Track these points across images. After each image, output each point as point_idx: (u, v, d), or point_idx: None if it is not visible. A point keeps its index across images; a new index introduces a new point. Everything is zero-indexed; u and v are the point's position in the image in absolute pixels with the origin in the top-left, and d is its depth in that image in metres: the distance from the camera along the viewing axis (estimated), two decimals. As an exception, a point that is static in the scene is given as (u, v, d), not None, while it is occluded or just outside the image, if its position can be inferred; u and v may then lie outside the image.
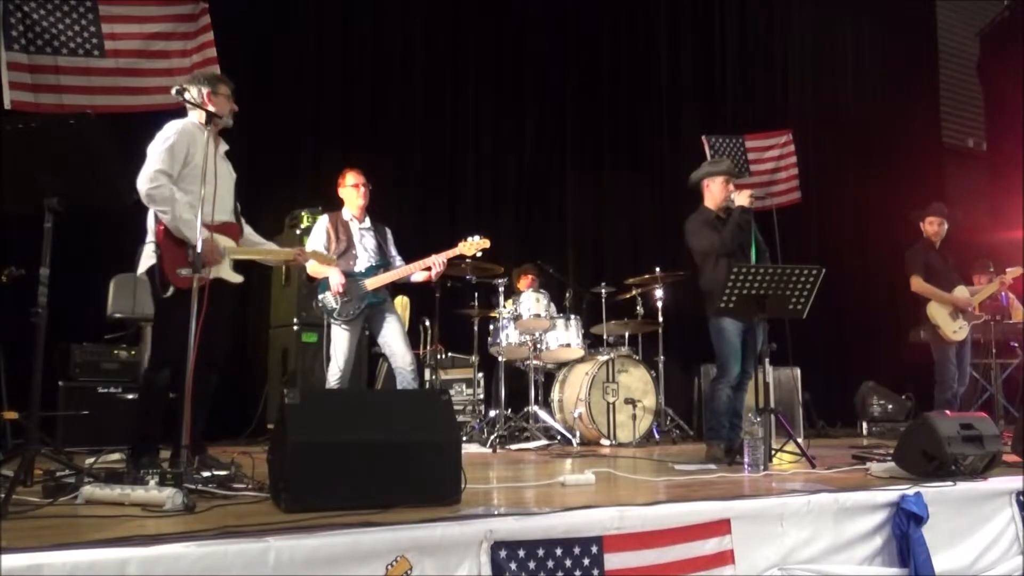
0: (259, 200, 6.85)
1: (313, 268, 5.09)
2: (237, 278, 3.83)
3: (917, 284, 6.01)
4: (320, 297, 5.00)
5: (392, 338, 4.98)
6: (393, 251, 5.28)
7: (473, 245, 5.16)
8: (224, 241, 3.75)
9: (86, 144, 2.92)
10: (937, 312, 5.96)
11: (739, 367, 4.64)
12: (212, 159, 3.47)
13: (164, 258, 3.58)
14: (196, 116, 3.76)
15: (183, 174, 3.63)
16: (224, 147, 3.91)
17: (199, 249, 3.39)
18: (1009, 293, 7.11)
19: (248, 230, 4.04)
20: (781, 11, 10.20)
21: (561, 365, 6.65)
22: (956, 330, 5.94)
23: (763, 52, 10.03)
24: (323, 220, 5.18)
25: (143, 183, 3.54)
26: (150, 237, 3.69)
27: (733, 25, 9.84)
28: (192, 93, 3.73)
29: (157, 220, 3.64)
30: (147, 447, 3.56)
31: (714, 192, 4.90)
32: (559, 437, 6.04)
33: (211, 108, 3.72)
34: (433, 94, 7.89)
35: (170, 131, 3.65)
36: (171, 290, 3.56)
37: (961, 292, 6.02)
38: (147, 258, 3.70)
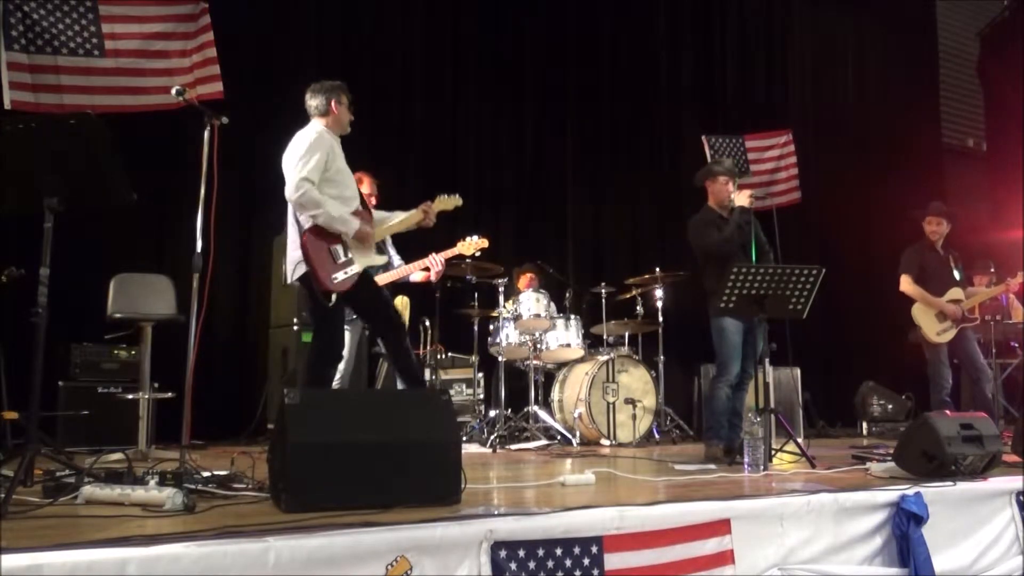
0: (259, 199, 6.88)
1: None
2: (381, 259, 4.19)
3: (905, 284, 5.98)
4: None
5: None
6: (392, 251, 5.29)
7: (472, 245, 5.18)
8: (365, 227, 4.03)
9: (86, 144, 2.92)
10: (920, 314, 5.92)
11: (739, 366, 4.65)
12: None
13: (316, 269, 3.83)
14: (322, 123, 4.06)
15: (325, 178, 3.92)
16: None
17: (352, 234, 3.88)
18: (1009, 293, 7.10)
19: (376, 212, 4.33)
20: (781, 11, 10.19)
21: (561, 365, 6.65)
22: (940, 332, 5.88)
23: (763, 52, 10.03)
24: (322, 221, 5.17)
25: (291, 193, 3.86)
26: (296, 245, 3.93)
27: (733, 25, 9.84)
28: (319, 102, 4.09)
29: (300, 231, 3.89)
30: None
31: (715, 191, 4.93)
32: (559, 437, 6.04)
33: (332, 117, 4.07)
34: (433, 93, 7.89)
35: (305, 141, 3.91)
36: (334, 298, 3.86)
37: (955, 295, 5.96)
38: (300, 265, 3.91)
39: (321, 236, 3.90)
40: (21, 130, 2.92)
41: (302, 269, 3.88)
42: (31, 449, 2.84)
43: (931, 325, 5.89)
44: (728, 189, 4.86)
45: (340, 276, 3.86)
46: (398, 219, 4.37)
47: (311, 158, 3.86)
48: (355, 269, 3.91)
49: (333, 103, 4.10)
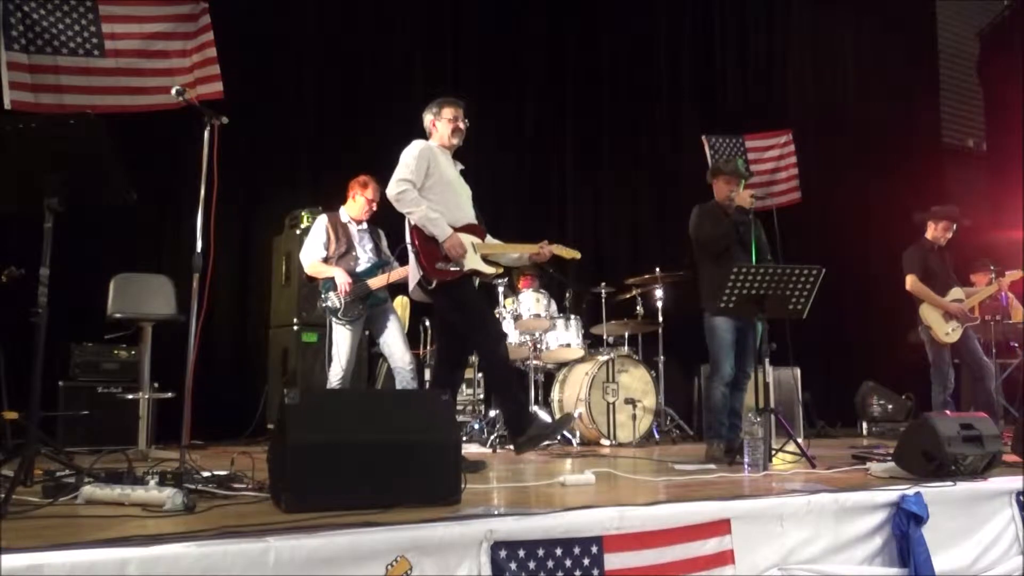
0: (259, 199, 6.89)
1: (314, 269, 5.10)
2: (491, 269, 4.21)
3: (912, 284, 6.00)
4: (324, 296, 5.01)
5: (392, 338, 5.01)
6: (388, 252, 5.30)
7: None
8: (468, 238, 4.12)
9: (86, 144, 2.92)
10: (929, 314, 5.94)
11: (732, 364, 4.65)
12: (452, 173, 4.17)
13: (422, 256, 4.02)
14: (435, 139, 4.25)
15: (427, 186, 4.09)
16: (460, 166, 4.33)
17: (441, 240, 3.95)
18: (1008, 293, 7.10)
19: (488, 236, 4.35)
20: (781, 11, 10.19)
21: (561, 365, 6.65)
22: (949, 332, 5.91)
23: (763, 52, 10.03)
24: (322, 220, 5.18)
25: (390, 190, 4.05)
26: (408, 243, 4.10)
27: (733, 25, 9.84)
28: (425, 123, 4.29)
29: (410, 226, 4.06)
30: None
31: (718, 190, 4.95)
32: (559, 437, 6.04)
33: (434, 133, 4.23)
34: (433, 93, 7.86)
35: (412, 149, 4.12)
36: (434, 283, 4.00)
37: (956, 295, 5.99)
38: (413, 273, 4.13)
39: None
40: (21, 130, 2.92)
41: (417, 272, 4.04)
42: (31, 449, 2.84)
43: (940, 325, 5.91)
44: (728, 189, 4.86)
45: (441, 265, 4.00)
46: (509, 245, 4.43)
47: (412, 164, 4.05)
48: (456, 267, 4.01)
49: (432, 121, 4.28)
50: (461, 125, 4.27)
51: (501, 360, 4.08)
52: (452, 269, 4.01)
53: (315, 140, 7.20)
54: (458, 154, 4.38)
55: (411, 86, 7.78)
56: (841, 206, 9.72)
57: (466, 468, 3.69)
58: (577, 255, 4.61)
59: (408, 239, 4.09)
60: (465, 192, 4.31)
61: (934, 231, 6.13)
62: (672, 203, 8.42)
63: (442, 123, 4.26)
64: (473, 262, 4.11)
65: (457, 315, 4.11)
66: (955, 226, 6.11)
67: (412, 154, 4.10)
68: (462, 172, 4.35)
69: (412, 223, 4.06)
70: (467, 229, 4.16)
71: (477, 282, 4.32)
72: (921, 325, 6.01)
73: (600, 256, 8.55)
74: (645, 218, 8.88)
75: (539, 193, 8.34)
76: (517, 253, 4.47)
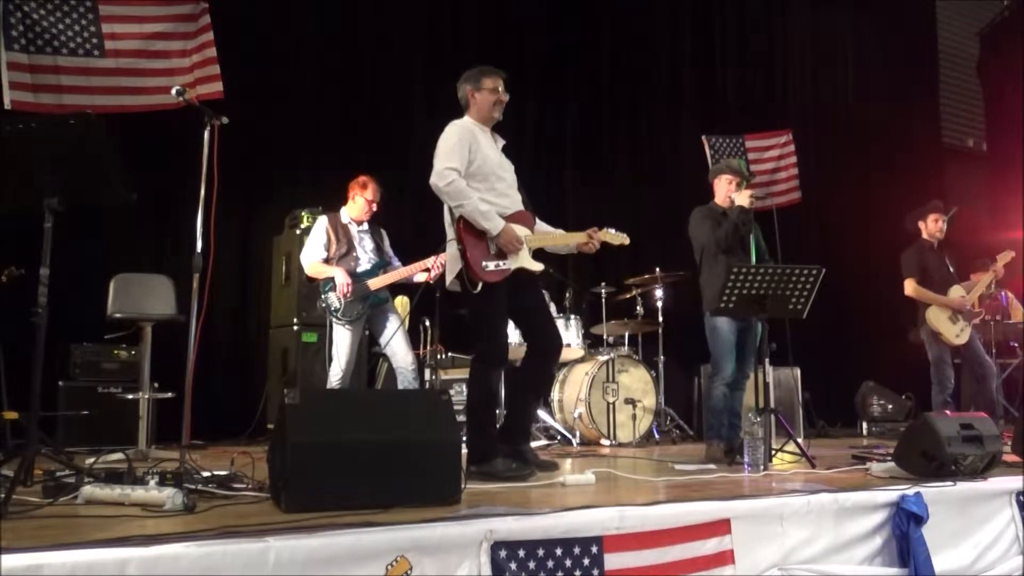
0: (259, 199, 6.89)
1: (314, 270, 5.10)
2: (538, 266, 3.87)
3: (911, 288, 5.98)
4: (324, 296, 5.02)
5: (394, 338, 5.01)
6: (390, 252, 5.30)
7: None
8: (520, 230, 3.79)
9: (86, 144, 2.92)
10: (937, 318, 5.88)
11: (733, 365, 4.65)
12: (496, 153, 3.79)
13: (468, 254, 3.65)
14: (467, 115, 3.90)
15: (469, 172, 3.72)
16: (501, 141, 3.97)
17: (494, 234, 3.61)
18: (1008, 293, 7.09)
19: (539, 222, 4.05)
20: (781, 11, 10.19)
21: (561, 365, 6.65)
22: (958, 333, 5.88)
23: (763, 52, 10.03)
24: (322, 221, 5.19)
25: (436, 181, 3.65)
26: (450, 237, 3.77)
27: (733, 25, 9.84)
28: (460, 94, 3.91)
29: (455, 219, 3.69)
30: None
31: (718, 189, 4.96)
32: (559, 437, 6.04)
33: (472, 106, 3.88)
34: (433, 93, 7.88)
35: (451, 132, 3.78)
36: (480, 286, 3.63)
37: (957, 292, 5.97)
38: (453, 263, 3.75)
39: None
40: (21, 130, 2.92)
41: (457, 265, 3.70)
42: (31, 449, 2.84)
43: (949, 328, 5.86)
44: (730, 189, 4.87)
45: (491, 265, 3.65)
46: (559, 234, 4.11)
47: (455, 150, 3.70)
48: (508, 264, 3.69)
49: (471, 92, 3.89)
50: (503, 97, 3.89)
51: (484, 383, 3.69)
52: (499, 269, 3.66)
53: (315, 140, 7.20)
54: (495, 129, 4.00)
55: (411, 86, 7.79)
56: (841, 206, 9.72)
57: (540, 467, 3.61)
58: (626, 240, 4.20)
59: (453, 234, 3.72)
60: (509, 173, 3.94)
61: (926, 229, 6.12)
62: (672, 203, 8.40)
63: (482, 94, 3.86)
64: (522, 260, 3.76)
65: (475, 316, 3.75)
66: (945, 217, 6.09)
67: (451, 139, 3.72)
68: (504, 148, 3.98)
69: (458, 216, 3.68)
70: (516, 218, 3.81)
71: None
72: (925, 327, 5.97)
73: (600, 256, 8.53)
74: (645, 218, 8.86)
75: (539, 193, 8.31)
76: (565, 243, 4.12)
